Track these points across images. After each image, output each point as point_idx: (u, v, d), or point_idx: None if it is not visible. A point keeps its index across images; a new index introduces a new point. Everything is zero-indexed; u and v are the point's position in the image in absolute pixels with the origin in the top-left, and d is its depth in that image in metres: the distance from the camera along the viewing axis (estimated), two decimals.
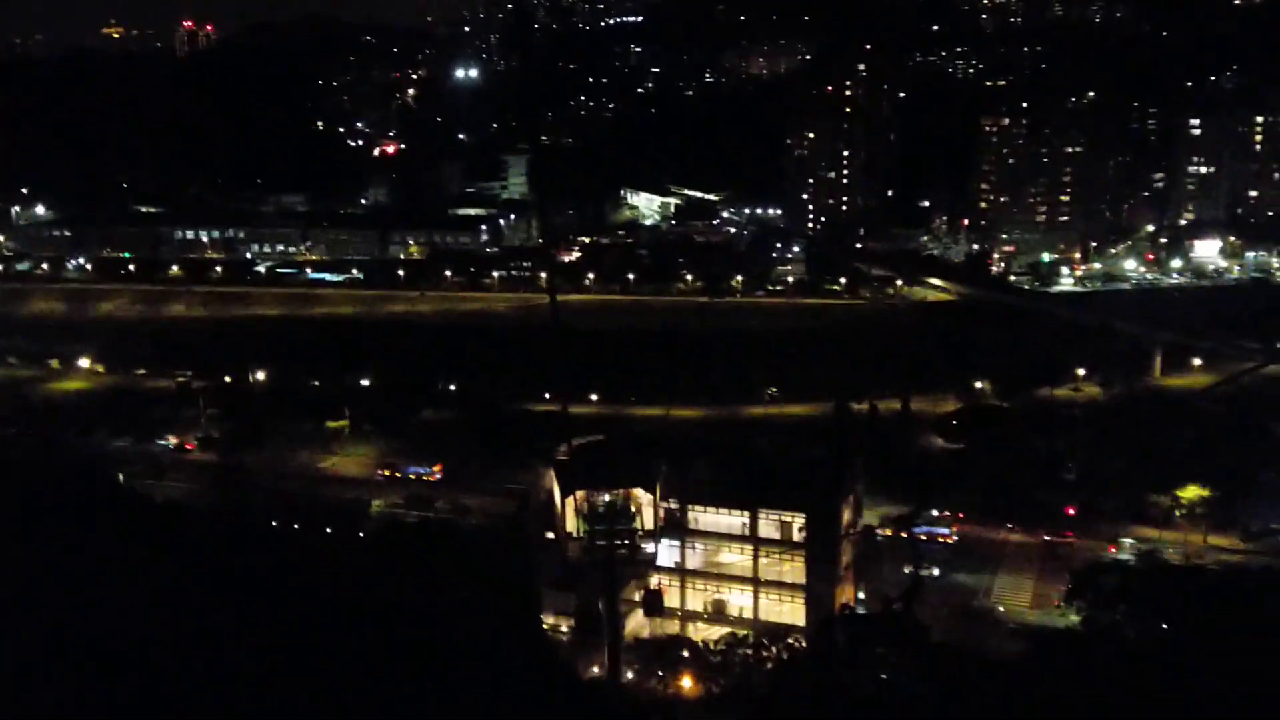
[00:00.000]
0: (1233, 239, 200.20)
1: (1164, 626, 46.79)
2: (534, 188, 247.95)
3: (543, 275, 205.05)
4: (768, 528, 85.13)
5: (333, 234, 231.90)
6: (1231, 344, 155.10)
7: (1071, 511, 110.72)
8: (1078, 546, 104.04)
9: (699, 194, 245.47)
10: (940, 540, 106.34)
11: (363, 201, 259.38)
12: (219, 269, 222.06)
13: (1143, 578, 57.67)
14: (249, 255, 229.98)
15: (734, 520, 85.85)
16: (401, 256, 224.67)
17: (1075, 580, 65.90)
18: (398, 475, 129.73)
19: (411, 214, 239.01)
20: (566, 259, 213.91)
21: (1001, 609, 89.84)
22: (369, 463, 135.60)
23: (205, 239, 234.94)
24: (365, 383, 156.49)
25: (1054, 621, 76.46)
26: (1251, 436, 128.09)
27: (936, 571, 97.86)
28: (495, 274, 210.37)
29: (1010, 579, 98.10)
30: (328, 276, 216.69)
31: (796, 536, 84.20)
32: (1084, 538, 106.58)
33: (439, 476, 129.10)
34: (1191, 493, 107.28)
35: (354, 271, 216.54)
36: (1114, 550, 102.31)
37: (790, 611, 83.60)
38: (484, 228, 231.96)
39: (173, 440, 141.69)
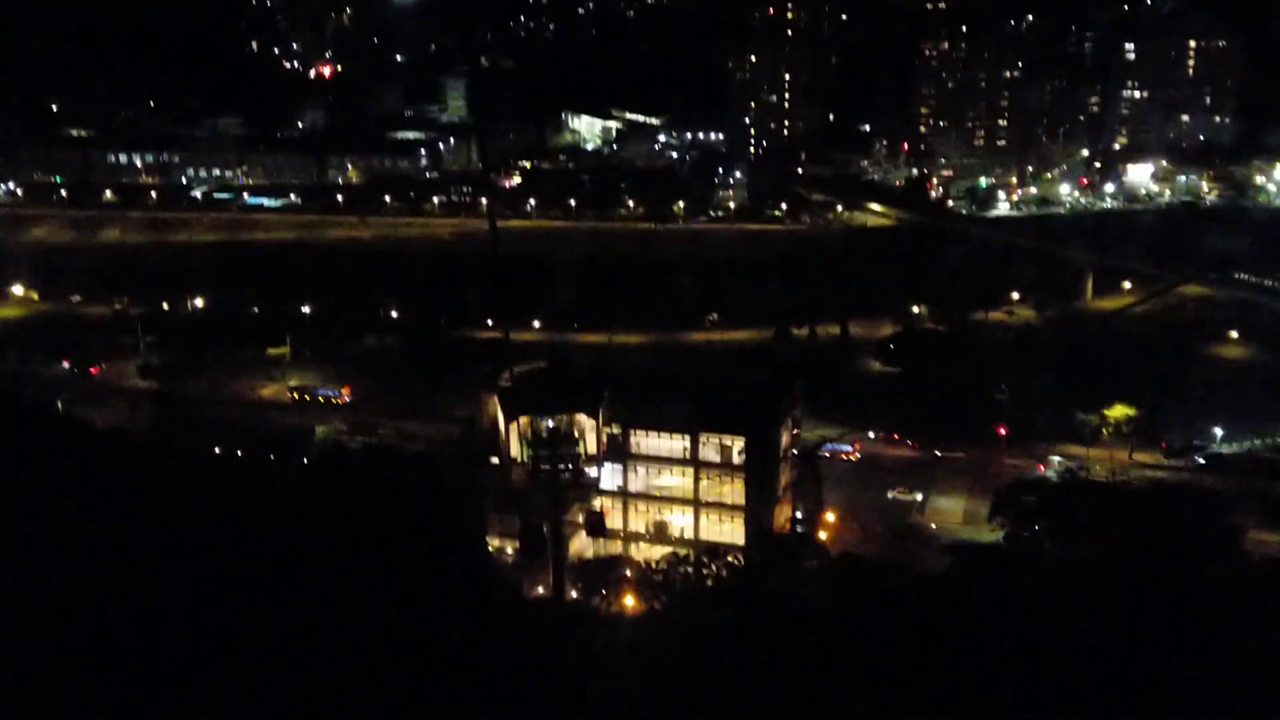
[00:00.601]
0: (1164, 163, 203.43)
1: (1081, 541, 49.23)
2: (473, 111, 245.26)
3: (483, 201, 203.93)
4: (708, 451, 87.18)
5: (270, 158, 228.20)
6: (1153, 267, 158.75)
7: (1003, 431, 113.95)
8: (1009, 464, 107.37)
9: (641, 118, 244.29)
10: (844, 457, 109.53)
11: (299, 125, 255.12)
12: (154, 194, 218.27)
13: (1060, 495, 60.06)
14: (184, 180, 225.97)
15: (675, 444, 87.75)
16: (340, 181, 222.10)
17: (998, 498, 68.49)
18: (306, 398, 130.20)
19: (349, 138, 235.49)
20: (507, 184, 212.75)
21: (934, 526, 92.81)
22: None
23: (139, 163, 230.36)
24: (305, 309, 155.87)
25: (983, 537, 79.42)
26: (1178, 356, 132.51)
27: (919, 496, 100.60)
28: (435, 199, 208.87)
29: (944, 497, 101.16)
30: (265, 202, 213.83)
31: (736, 460, 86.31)
32: (1015, 456, 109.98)
33: (348, 399, 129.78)
34: (1118, 412, 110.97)
35: (292, 196, 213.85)
36: (1043, 468, 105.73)
37: (730, 531, 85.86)
38: (423, 152, 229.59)
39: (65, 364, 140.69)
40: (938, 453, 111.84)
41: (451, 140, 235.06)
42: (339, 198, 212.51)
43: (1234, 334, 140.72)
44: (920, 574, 53.15)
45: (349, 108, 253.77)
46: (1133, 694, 29.04)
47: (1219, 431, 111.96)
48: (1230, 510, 65.79)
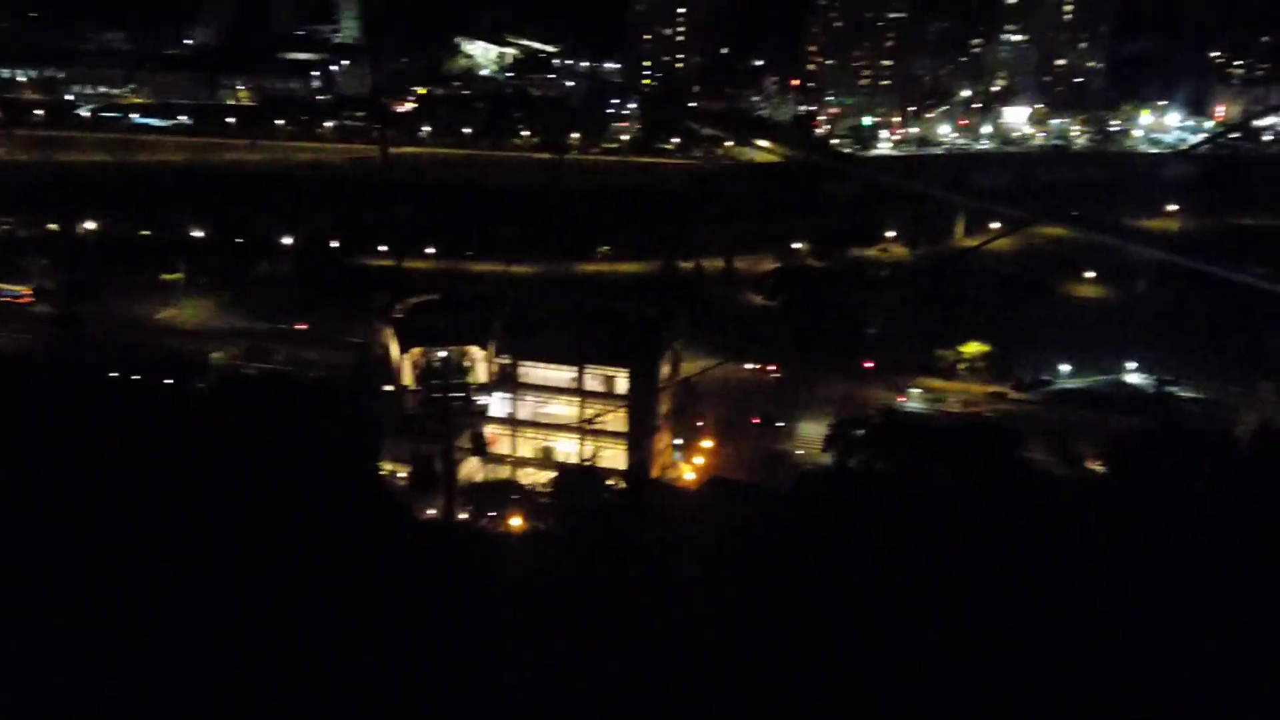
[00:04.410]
0: (1040, 106, 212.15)
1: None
2: (367, 33, 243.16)
3: (376, 126, 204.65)
4: (594, 381, 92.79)
5: (159, 77, 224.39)
6: (1019, 208, 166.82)
7: (870, 364, 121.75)
8: (874, 395, 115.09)
9: (536, 45, 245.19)
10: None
11: (188, 42, 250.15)
12: (38, 111, 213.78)
13: (883, 428, 67.15)
14: (70, 98, 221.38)
15: (562, 374, 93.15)
16: (231, 103, 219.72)
17: (831, 430, 75.68)
18: None
19: (240, 57, 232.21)
20: (401, 110, 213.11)
21: (800, 452, 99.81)
22: (207, 316, 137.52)
23: (21, 79, 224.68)
24: (199, 234, 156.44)
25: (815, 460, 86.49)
26: (1035, 295, 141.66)
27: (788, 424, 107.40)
28: (329, 123, 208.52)
29: (812, 425, 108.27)
30: (154, 122, 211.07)
31: (620, 390, 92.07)
32: (880, 387, 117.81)
33: (30, 298, 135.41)
34: (973, 348, 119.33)
35: (182, 117, 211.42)
36: (903, 399, 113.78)
37: (613, 457, 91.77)
38: (316, 74, 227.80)
39: None
40: (808, 383, 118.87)
41: (345, 63, 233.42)
42: (230, 120, 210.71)
43: (1089, 274, 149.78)
44: (775, 494, 59.49)
45: (239, 25, 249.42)
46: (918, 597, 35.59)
47: (1066, 368, 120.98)
48: (1039, 441, 73.67)
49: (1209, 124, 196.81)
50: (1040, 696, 31.99)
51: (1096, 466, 62.30)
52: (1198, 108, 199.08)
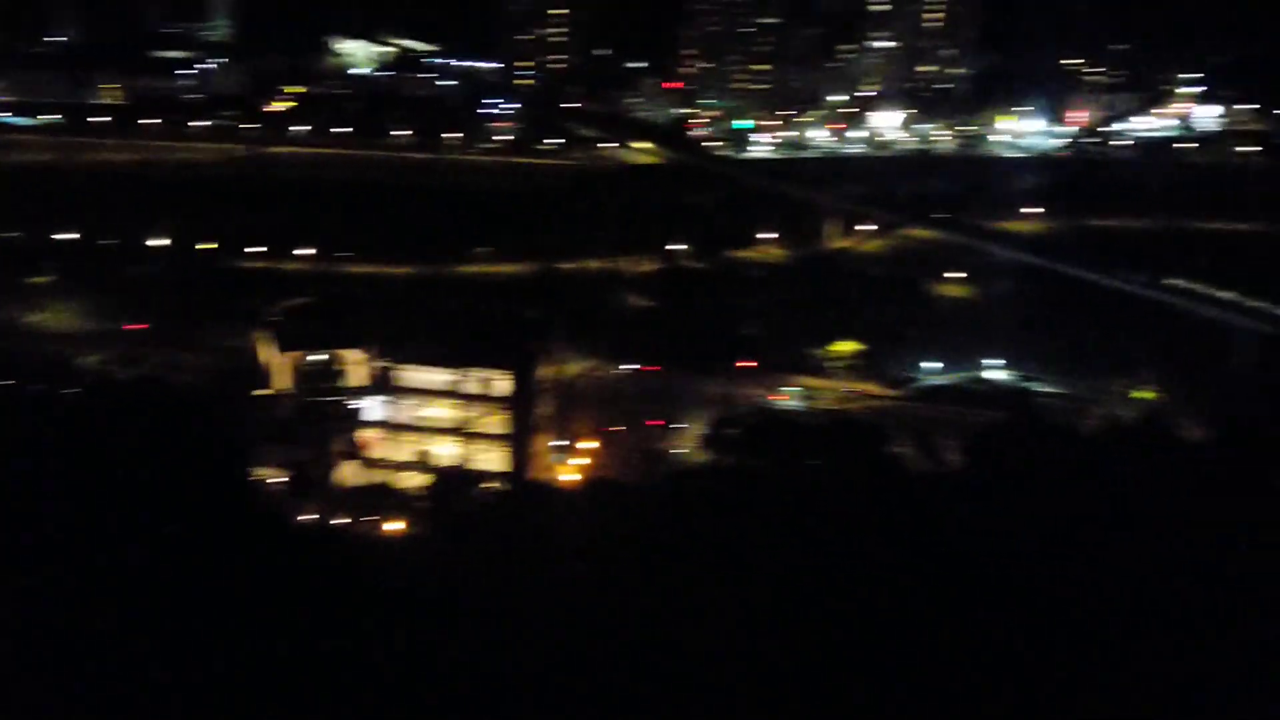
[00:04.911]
0: (908, 111, 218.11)
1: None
2: (240, 31, 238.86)
3: (249, 125, 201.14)
4: (473, 384, 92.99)
5: (23, 74, 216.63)
6: (890, 210, 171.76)
7: (748, 363, 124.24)
8: (753, 393, 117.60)
9: (413, 44, 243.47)
10: None
11: (55, 39, 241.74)
12: None
13: (757, 427, 69.14)
14: None
15: (440, 378, 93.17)
16: (99, 101, 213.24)
17: (709, 429, 77.53)
18: None
19: (109, 55, 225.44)
20: (274, 109, 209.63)
21: (680, 450, 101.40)
22: (76, 320, 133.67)
23: None
24: (68, 236, 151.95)
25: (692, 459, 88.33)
26: (904, 295, 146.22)
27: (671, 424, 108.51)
28: (201, 123, 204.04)
29: (693, 424, 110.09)
30: (20, 121, 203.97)
31: (499, 392, 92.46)
32: (758, 386, 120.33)
33: None
34: (845, 347, 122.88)
35: (48, 116, 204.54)
36: (778, 397, 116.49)
37: (493, 460, 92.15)
38: (187, 72, 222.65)
39: None
40: (688, 383, 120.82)
41: (217, 61, 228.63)
42: (98, 119, 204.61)
43: (955, 274, 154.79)
44: (652, 492, 60.81)
45: (108, 21, 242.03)
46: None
47: (933, 365, 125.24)
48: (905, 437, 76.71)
49: (1066, 129, 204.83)
50: (907, 681, 33.83)
51: (957, 459, 65.01)
52: (1055, 114, 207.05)
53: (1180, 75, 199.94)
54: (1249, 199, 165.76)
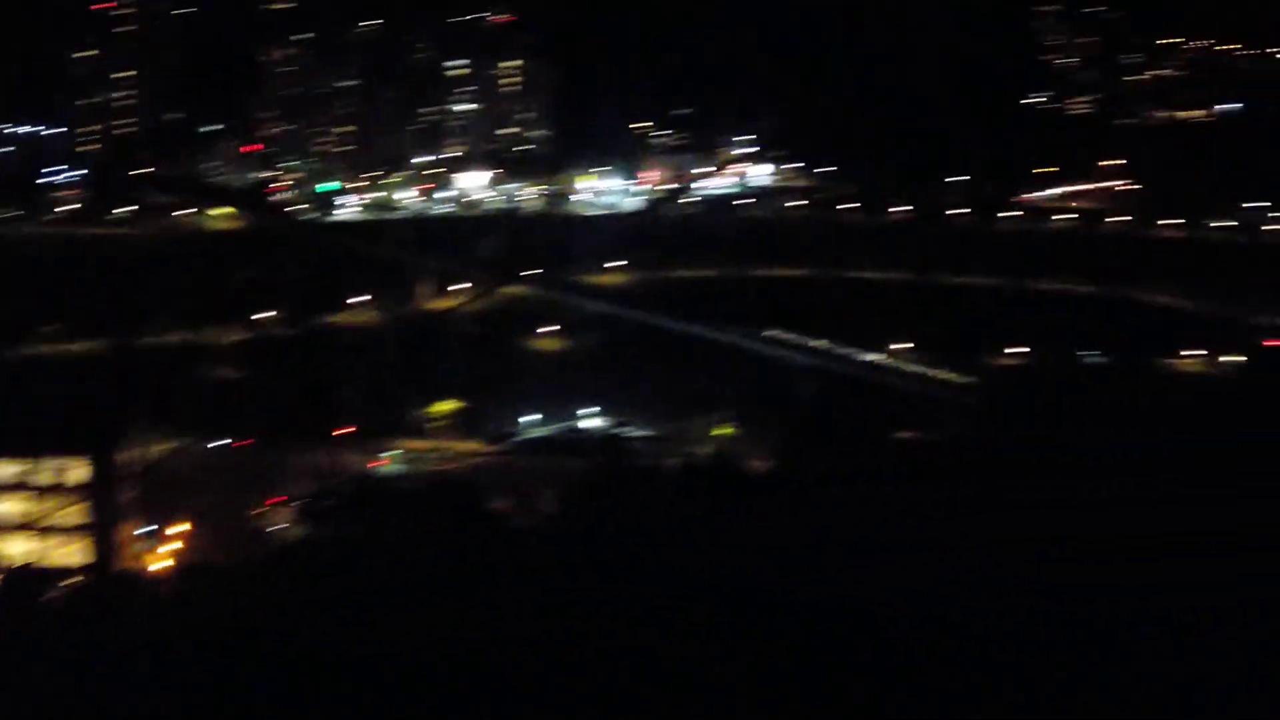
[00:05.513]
0: (493, 172, 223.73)
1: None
2: None
3: None
4: (46, 475, 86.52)
5: None
6: (479, 269, 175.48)
7: (348, 429, 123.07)
8: (353, 460, 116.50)
9: None
10: None
11: None
12: None
13: (353, 496, 69.60)
14: None
15: (8, 470, 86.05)
16: None
17: (306, 501, 77.01)
18: None
19: None
20: None
21: (274, 527, 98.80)
22: None
23: None
24: None
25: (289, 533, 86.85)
26: (499, 352, 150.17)
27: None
28: None
29: (287, 499, 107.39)
30: None
31: (77, 480, 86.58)
32: (358, 452, 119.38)
33: None
34: (446, 406, 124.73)
35: None
36: (378, 463, 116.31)
37: (75, 553, 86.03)
38: None
39: None
40: (285, 455, 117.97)
41: None
42: None
43: (548, 328, 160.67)
44: (247, 573, 59.48)
45: None
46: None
47: (531, 418, 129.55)
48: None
49: (639, 187, 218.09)
50: None
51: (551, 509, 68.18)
52: (630, 173, 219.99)
53: (735, 138, 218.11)
54: (800, 248, 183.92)
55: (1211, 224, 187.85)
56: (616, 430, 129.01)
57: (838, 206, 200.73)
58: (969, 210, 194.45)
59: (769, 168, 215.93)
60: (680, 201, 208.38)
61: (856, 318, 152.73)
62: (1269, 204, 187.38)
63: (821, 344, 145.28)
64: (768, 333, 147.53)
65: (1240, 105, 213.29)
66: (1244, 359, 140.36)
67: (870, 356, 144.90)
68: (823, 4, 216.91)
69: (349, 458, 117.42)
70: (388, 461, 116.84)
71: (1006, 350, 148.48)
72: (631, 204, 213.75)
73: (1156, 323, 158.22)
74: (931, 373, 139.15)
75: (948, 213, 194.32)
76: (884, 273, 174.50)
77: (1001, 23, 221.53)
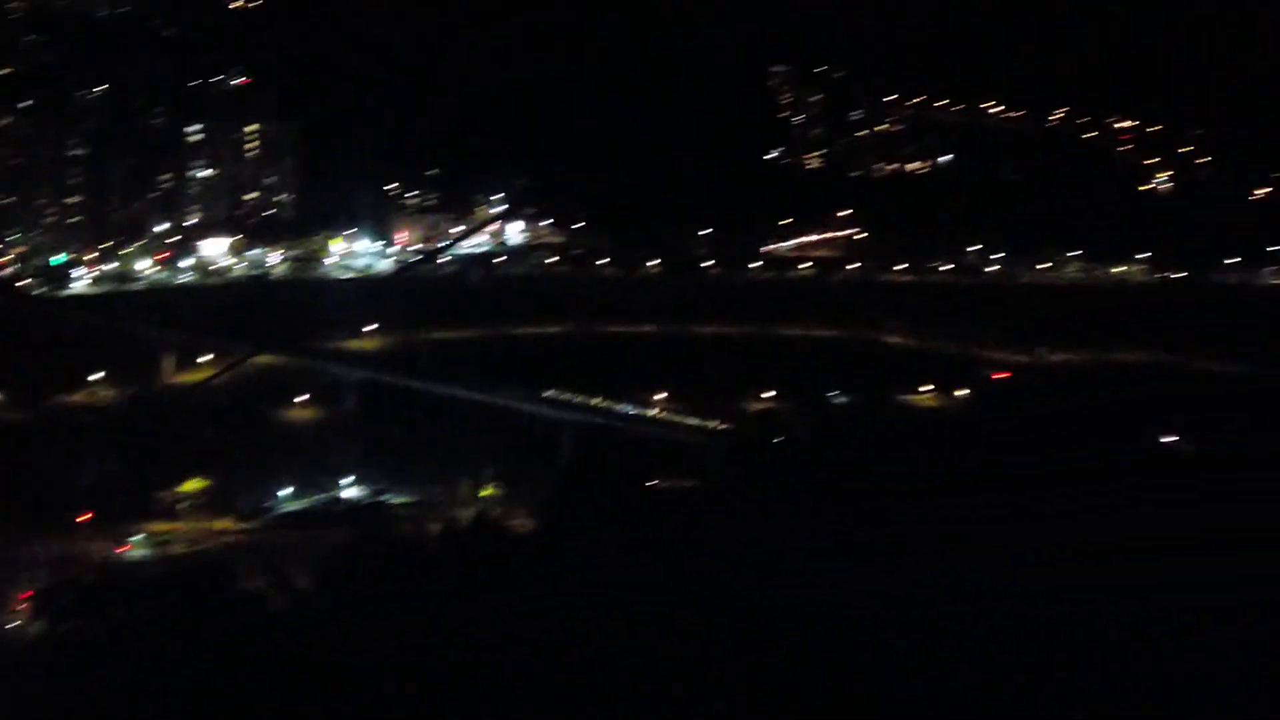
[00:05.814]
0: (236, 238, 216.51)
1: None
2: None
3: None
4: None
5: None
6: (223, 338, 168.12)
7: (86, 516, 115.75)
8: (91, 549, 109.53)
9: None
10: None
11: None
12: None
13: (93, 586, 65.94)
14: None
15: None
16: None
17: (38, 597, 72.25)
18: None
19: None
20: None
21: (6, 624, 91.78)
22: None
23: None
24: None
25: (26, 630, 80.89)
26: (252, 423, 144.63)
27: None
28: None
29: (21, 593, 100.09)
30: None
31: None
32: (99, 539, 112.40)
33: None
34: (193, 485, 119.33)
35: None
36: (125, 549, 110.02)
37: None
38: None
39: None
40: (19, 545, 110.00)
41: None
42: None
43: (301, 397, 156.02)
44: None
45: None
46: None
47: (286, 491, 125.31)
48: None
49: (392, 249, 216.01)
50: None
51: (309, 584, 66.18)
52: (383, 235, 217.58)
53: (487, 197, 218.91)
54: (559, 303, 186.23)
55: (938, 267, 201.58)
56: (377, 498, 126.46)
57: (593, 262, 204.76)
58: (715, 262, 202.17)
59: (520, 225, 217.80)
60: (435, 262, 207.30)
61: (616, 370, 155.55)
62: (984, 247, 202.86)
63: (598, 401, 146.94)
64: (546, 393, 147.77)
65: (952, 156, 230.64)
66: (971, 391, 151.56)
67: (629, 408, 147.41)
68: (574, 66, 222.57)
69: (90, 545, 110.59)
70: (131, 547, 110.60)
71: (759, 395, 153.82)
72: (385, 266, 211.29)
73: (893, 362, 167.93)
74: (688, 420, 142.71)
75: (699, 265, 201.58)
76: (638, 326, 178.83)
77: (740, 84, 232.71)
